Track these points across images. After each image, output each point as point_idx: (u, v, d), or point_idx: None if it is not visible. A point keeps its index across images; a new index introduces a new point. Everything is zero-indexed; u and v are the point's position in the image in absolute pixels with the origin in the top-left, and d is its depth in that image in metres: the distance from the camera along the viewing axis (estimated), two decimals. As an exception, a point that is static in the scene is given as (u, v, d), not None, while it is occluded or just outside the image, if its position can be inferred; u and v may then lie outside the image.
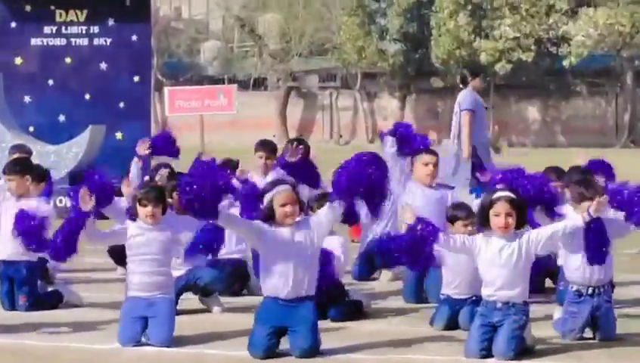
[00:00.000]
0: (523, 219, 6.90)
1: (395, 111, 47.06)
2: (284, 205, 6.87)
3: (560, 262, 7.85)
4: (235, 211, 7.75)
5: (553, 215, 7.17)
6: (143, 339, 7.20)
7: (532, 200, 7.07)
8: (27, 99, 16.47)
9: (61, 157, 15.67)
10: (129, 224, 7.46)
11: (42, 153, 15.33)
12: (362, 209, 9.04)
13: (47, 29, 16.44)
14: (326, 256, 7.53)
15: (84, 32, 16.45)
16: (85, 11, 16.41)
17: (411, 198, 8.92)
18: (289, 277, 6.82)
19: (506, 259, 6.83)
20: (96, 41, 16.48)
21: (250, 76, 48.13)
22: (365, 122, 47.65)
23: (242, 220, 7.19)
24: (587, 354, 6.83)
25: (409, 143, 9.10)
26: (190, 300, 8.49)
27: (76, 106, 16.27)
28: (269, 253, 6.87)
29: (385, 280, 9.90)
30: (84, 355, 6.97)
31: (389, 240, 7.16)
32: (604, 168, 8.72)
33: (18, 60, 16.45)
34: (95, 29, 16.43)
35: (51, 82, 16.49)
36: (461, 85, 12.89)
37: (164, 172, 9.19)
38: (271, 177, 9.34)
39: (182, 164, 10.42)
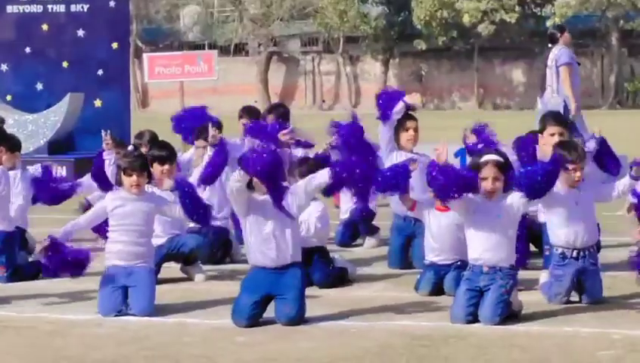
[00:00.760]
0: (509, 182, 6.82)
1: (378, 75, 46.97)
2: None
3: (542, 220, 7.82)
4: None
5: None
6: (124, 309, 7.13)
7: None
8: (4, 67, 16.31)
9: (40, 126, 15.55)
10: (108, 196, 7.38)
11: (20, 122, 15.21)
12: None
13: (23, -4, 16.25)
14: None
15: (61, -3, 16.27)
16: (61, -24, 16.22)
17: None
18: (272, 244, 6.75)
19: (493, 222, 6.75)
20: (73, 8, 16.30)
21: (230, 42, 47.91)
22: (348, 87, 47.56)
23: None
24: (573, 317, 6.79)
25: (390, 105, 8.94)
26: (172, 269, 8.42)
27: (54, 74, 16.13)
28: (251, 221, 6.77)
29: (369, 246, 9.85)
30: (64, 325, 6.90)
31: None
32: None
33: (-6, 28, 16.27)
34: (72, -6, 16.24)
35: (28, 49, 16.32)
36: (549, 45, 13.10)
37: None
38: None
39: (162, 131, 10.34)
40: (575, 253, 7.21)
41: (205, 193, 9.10)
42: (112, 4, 16.30)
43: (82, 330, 6.78)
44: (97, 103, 16.10)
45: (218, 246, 9.07)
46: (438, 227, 7.65)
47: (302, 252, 6.98)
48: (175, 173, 8.59)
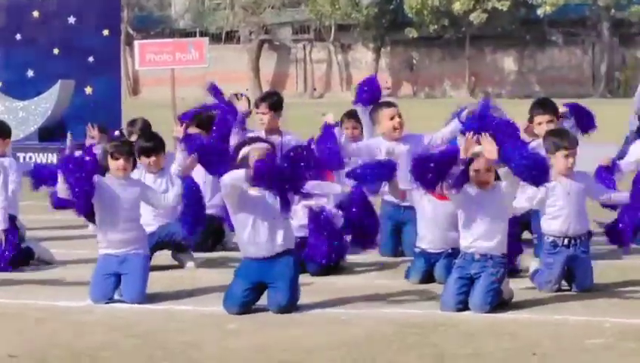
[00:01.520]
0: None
1: (369, 63, 46.95)
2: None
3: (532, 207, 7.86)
4: None
5: None
6: (116, 296, 7.13)
7: None
8: (-6, 54, 16.24)
9: (30, 113, 15.51)
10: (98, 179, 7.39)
11: (11, 109, 15.18)
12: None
13: (13, -18, 16.19)
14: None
15: (51, -16, 16.22)
16: (52, -37, 16.16)
17: (380, 157, 8.77)
18: (264, 238, 6.75)
19: (486, 211, 6.75)
20: (64, -5, 16.24)
21: (221, 29, 47.82)
22: (339, 75, 47.52)
23: None
24: (563, 305, 6.80)
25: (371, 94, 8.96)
26: (163, 256, 8.41)
27: (45, 61, 16.07)
28: (242, 215, 6.76)
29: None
30: (54, 312, 6.89)
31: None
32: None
33: (-16, 15, 16.21)
34: (63, -19, 16.19)
35: (18, 36, 16.27)
36: None
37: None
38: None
39: (153, 118, 10.32)
40: (566, 241, 7.23)
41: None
42: (103, -10, 16.27)
43: (71, 317, 6.77)
44: (88, 90, 16.06)
45: (209, 234, 9.05)
46: (435, 215, 7.64)
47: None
48: (163, 164, 8.58)
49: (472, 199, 6.81)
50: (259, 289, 6.80)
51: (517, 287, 7.12)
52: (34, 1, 16.20)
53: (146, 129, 9.56)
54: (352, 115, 9.77)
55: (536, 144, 8.22)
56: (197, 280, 7.82)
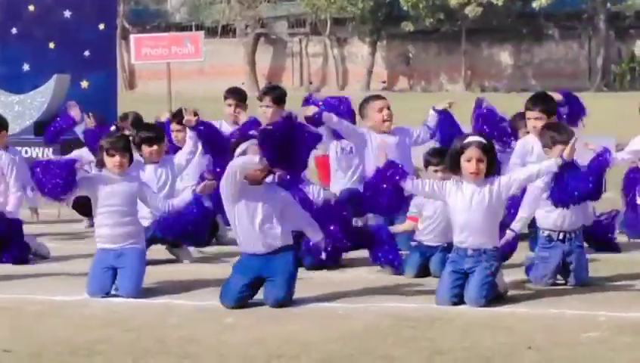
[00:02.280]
0: (493, 164, 6.83)
1: (365, 57, 46.90)
2: None
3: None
4: None
5: None
6: (113, 291, 7.13)
7: None
8: (-10, 48, 16.19)
9: (26, 107, 15.47)
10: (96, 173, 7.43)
11: (7, 103, 15.15)
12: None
13: (8, -24, 16.13)
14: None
15: (47, -23, 16.16)
16: (47, -43, 16.10)
17: (371, 150, 8.79)
18: (259, 235, 6.75)
19: (477, 205, 6.76)
20: (60, -12, 16.18)
21: (217, 23, 47.75)
22: (335, 69, 47.48)
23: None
24: (559, 299, 6.81)
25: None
26: (159, 251, 8.41)
27: (41, 55, 16.01)
28: (240, 207, 6.76)
29: (356, 227, 9.84)
30: (51, 306, 6.89)
31: (362, 190, 7.20)
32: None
33: (-20, 9, 16.16)
34: (58, -26, 16.13)
35: (14, 30, 16.20)
36: None
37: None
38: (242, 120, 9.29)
39: (150, 112, 10.33)
40: (561, 235, 7.24)
41: (191, 176, 9.12)
42: (98, -16, 16.22)
43: (68, 311, 6.77)
44: (84, 84, 16.00)
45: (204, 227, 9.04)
46: (433, 210, 7.65)
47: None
48: (163, 153, 8.63)
49: (463, 192, 6.80)
50: (256, 284, 6.80)
51: (513, 281, 7.13)
52: (30, -5, 16.15)
53: (139, 121, 9.62)
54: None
55: (525, 141, 8.29)
56: (193, 275, 7.82)
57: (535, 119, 8.33)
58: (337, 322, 6.34)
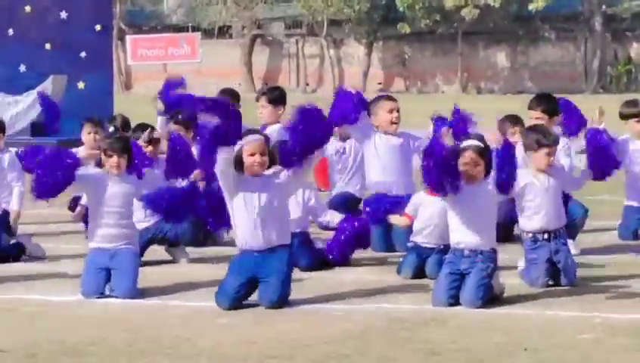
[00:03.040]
0: (489, 167, 6.84)
1: (362, 58, 46.94)
2: (252, 154, 6.81)
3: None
4: None
5: None
6: (107, 291, 7.13)
7: None
8: (-14, 49, 16.18)
9: (23, 108, 15.46)
10: (90, 168, 7.45)
11: (3, 104, 15.14)
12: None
13: (5, -23, 16.12)
14: None
15: (43, -21, 16.14)
16: (43, -42, 16.09)
17: (374, 149, 8.78)
18: (258, 228, 6.76)
19: (474, 207, 6.77)
20: (56, -11, 16.17)
21: (214, 24, 47.71)
22: (331, 70, 47.48)
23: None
24: (554, 301, 6.82)
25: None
26: (155, 251, 8.41)
27: (37, 56, 16.00)
28: (239, 201, 6.77)
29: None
30: (45, 307, 6.89)
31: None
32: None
33: (-24, 10, 16.14)
34: (55, -25, 16.12)
35: (10, 31, 16.20)
36: None
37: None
38: None
39: (146, 114, 10.31)
40: (546, 235, 7.25)
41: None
42: (95, -15, 16.21)
43: (62, 311, 6.77)
44: (81, 85, 16.00)
45: (199, 228, 9.04)
46: (431, 211, 7.65)
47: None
48: (157, 153, 8.60)
49: (461, 194, 6.81)
50: (251, 284, 6.80)
51: (509, 282, 7.13)
52: (26, -4, 16.13)
53: (127, 124, 9.65)
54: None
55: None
56: (189, 275, 7.82)
57: (537, 119, 8.34)
58: (332, 323, 6.34)
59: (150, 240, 8.28)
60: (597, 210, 9.51)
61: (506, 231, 8.50)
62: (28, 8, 16.18)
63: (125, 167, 7.34)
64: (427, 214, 7.68)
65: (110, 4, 18.41)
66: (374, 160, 8.79)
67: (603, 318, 6.32)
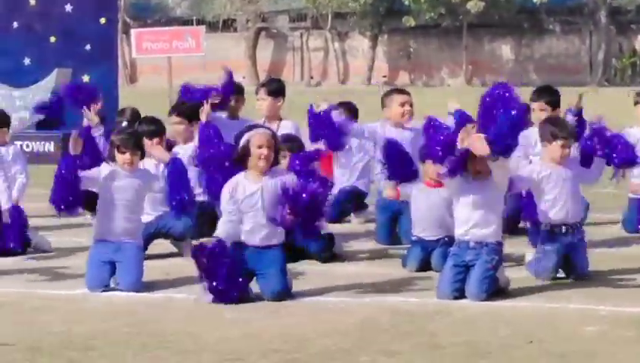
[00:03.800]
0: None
1: (366, 51, 46.85)
2: (260, 146, 6.78)
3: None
4: None
5: None
6: (112, 284, 7.12)
7: None
8: (-9, 42, 16.19)
9: (27, 101, 15.46)
10: (103, 165, 7.44)
11: (7, 97, 15.15)
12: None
13: (10, -30, 16.12)
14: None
15: (48, -28, 16.14)
16: (49, -49, 16.09)
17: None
18: (260, 225, 6.75)
19: (481, 199, 6.75)
20: (61, -17, 16.17)
21: (218, 17, 47.66)
22: (336, 63, 47.40)
23: None
24: (560, 293, 6.80)
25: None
26: (161, 245, 8.40)
27: (42, 49, 16.01)
28: (241, 208, 6.77)
29: (357, 222, 9.85)
30: (51, 300, 6.88)
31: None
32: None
33: (-19, 3, 16.14)
34: (60, -31, 16.11)
35: (15, 24, 16.19)
36: None
37: None
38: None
39: (150, 107, 10.31)
40: (564, 229, 7.21)
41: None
42: (100, -22, 16.21)
43: (67, 305, 6.77)
44: (85, 78, 15.99)
45: (203, 220, 9.02)
46: (427, 202, 7.66)
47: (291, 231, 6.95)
48: (164, 147, 8.58)
49: (467, 187, 6.80)
50: (248, 276, 6.78)
51: (514, 275, 7.12)
52: (31, -11, 16.14)
53: (137, 117, 9.60)
54: (345, 105, 9.79)
55: (529, 133, 8.21)
56: (193, 269, 7.79)
57: (540, 110, 8.32)
58: (335, 316, 6.33)
59: (153, 234, 8.26)
60: (601, 203, 9.50)
61: (512, 224, 8.49)
62: (33, 1, 16.19)
63: (138, 163, 7.34)
64: (425, 205, 7.67)
65: (115, -3, 18.41)
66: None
67: (608, 311, 6.31)
